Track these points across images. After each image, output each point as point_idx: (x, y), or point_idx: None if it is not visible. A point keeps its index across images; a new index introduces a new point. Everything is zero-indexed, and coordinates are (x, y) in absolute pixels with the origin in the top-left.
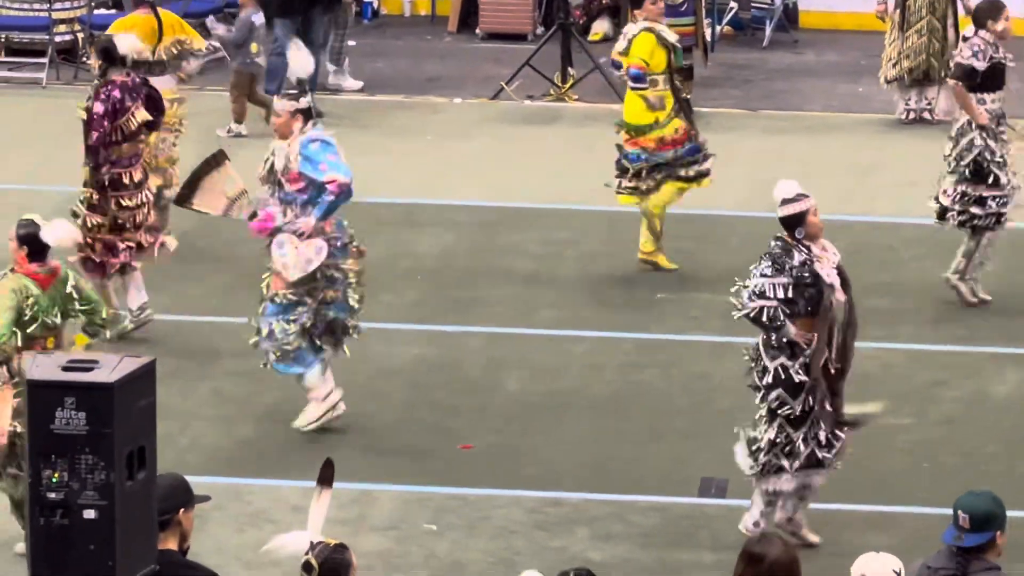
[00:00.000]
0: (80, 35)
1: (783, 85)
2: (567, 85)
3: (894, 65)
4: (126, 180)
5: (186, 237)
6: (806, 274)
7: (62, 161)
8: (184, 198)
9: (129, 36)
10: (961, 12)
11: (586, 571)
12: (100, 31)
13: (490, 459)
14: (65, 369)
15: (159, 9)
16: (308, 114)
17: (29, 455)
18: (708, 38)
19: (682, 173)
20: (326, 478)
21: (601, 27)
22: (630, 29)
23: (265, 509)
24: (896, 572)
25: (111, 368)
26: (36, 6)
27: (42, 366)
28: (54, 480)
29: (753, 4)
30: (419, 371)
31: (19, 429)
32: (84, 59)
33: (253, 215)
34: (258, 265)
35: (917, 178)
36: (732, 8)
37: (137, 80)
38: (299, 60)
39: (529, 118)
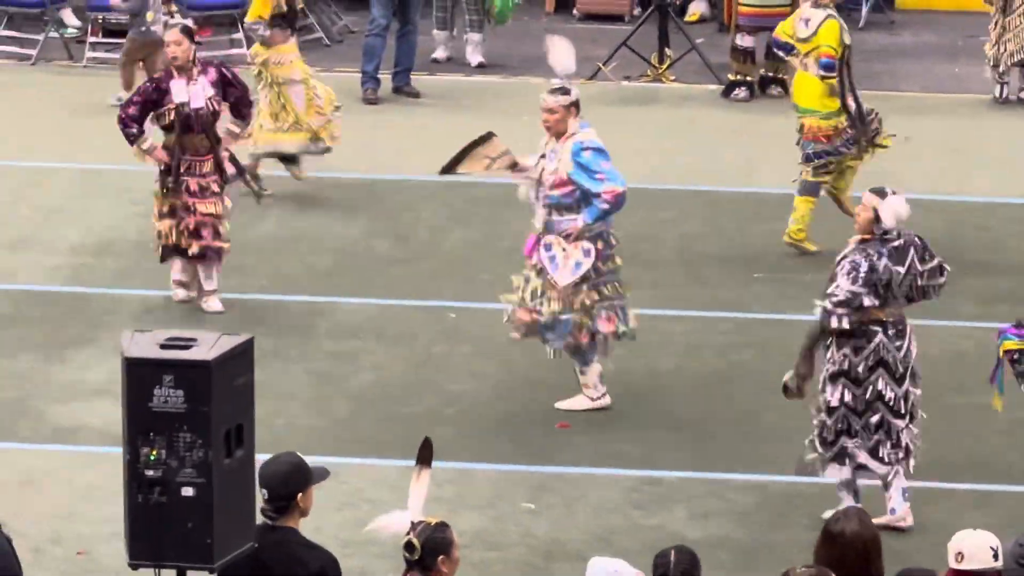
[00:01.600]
0: (177, 16)
1: (880, 66)
2: (664, 66)
3: (1001, 49)
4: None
5: (283, 217)
6: None
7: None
8: (449, 169)
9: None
10: None
11: (688, 551)
12: (197, 12)
13: (588, 438)
14: (163, 347)
15: None
16: (578, 105)
17: (127, 433)
18: None
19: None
20: (425, 458)
21: (698, 8)
22: (812, 14)
23: (362, 488)
24: (993, 549)
25: (209, 346)
26: None
27: (139, 344)
28: (152, 457)
29: None
30: (517, 350)
31: None
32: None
33: (514, 165)
34: (359, 245)
35: (1013, 158)
36: None
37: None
38: (560, 52)
39: (626, 99)
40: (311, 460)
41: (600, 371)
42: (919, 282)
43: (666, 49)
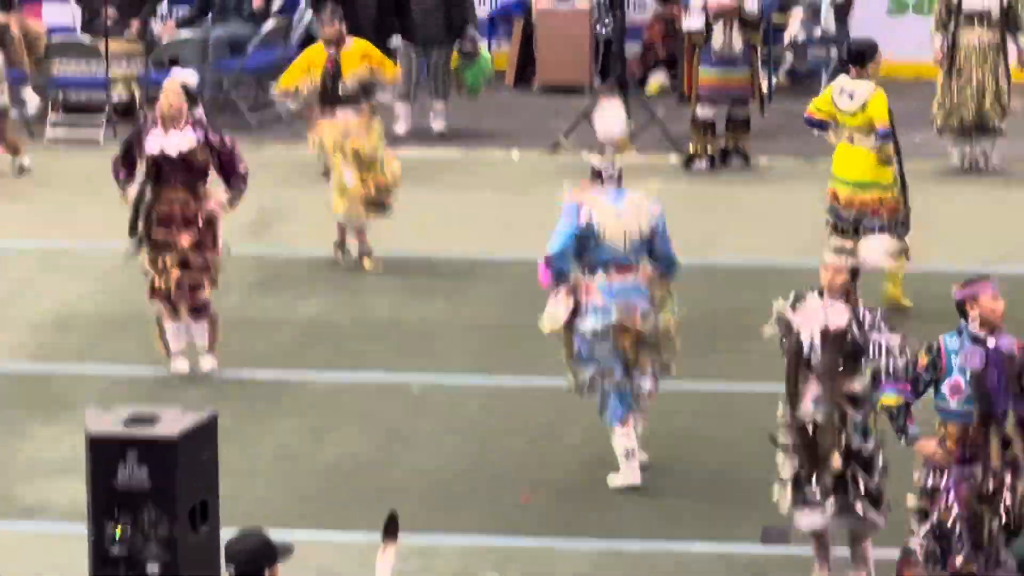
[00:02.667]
0: (137, 93)
1: None
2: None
3: (947, 115)
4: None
5: (249, 292)
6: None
7: (120, 218)
8: None
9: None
10: (1012, 61)
11: None
12: (157, 89)
13: (554, 508)
14: (127, 424)
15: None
16: (599, 175)
17: (92, 510)
18: (764, 89)
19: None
20: (391, 531)
21: (657, 79)
22: (855, 86)
23: (329, 564)
24: None
25: (173, 422)
26: (93, 65)
27: (103, 421)
28: (117, 535)
29: (809, 54)
30: (481, 424)
31: None
32: (142, 116)
33: None
34: (322, 321)
35: (975, 227)
36: (788, 59)
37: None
38: (605, 117)
39: (587, 171)
40: (277, 535)
41: (624, 447)
42: None
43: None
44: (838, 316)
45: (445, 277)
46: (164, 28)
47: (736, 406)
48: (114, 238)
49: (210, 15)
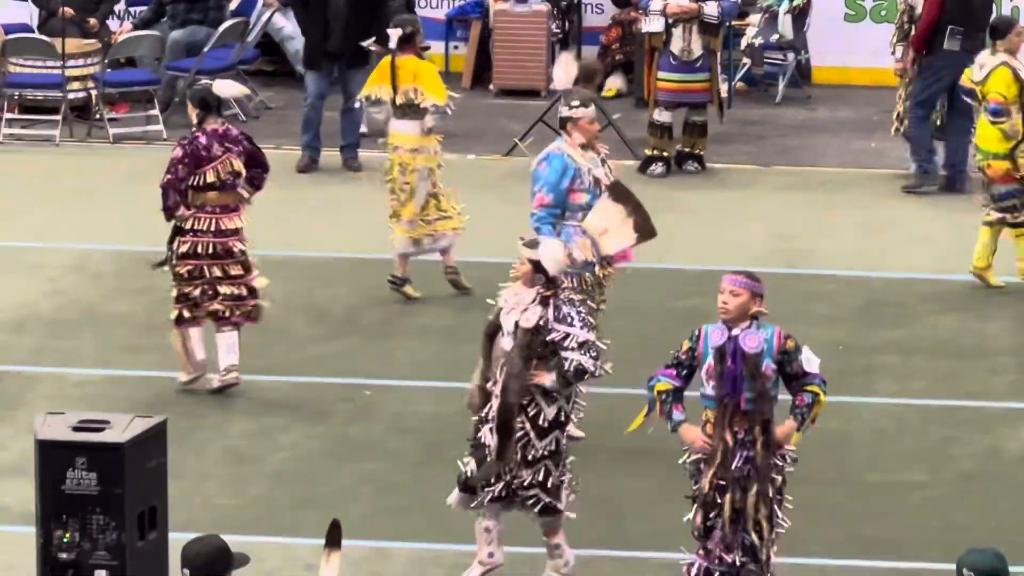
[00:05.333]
0: (94, 92)
1: (796, 141)
2: None
3: (902, 121)
4: (215, 227)
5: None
6: None
7: (75, 219)
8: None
9: (228, 81)
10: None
11: None
12: (114, 88)
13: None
14: (76, 429)
15: (402, 55)
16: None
17: (40, 515)
18: (724, 94)
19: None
20: (334, 540)
21: (614, 83)
22: (987, 60)
23: (278, 568)
24: None
25: (122, 428)
26: (49, 63)
27: (52, 426)
28: (65, 540)
29: (766, 60)
30: (433, 429)
31: None
32: (97, 116)
33: None
34: (275, 323)
35: (929, 234)
36: (745, 64)
37: (236, 132)
38: (560, 67)
39: None
40: (228, 540)
41: None
42: None
43: None
44: (528, 311)
45: None
46: (121, 28)
47: (687, 412)
48: (69, 239)
49: (166, 16)
